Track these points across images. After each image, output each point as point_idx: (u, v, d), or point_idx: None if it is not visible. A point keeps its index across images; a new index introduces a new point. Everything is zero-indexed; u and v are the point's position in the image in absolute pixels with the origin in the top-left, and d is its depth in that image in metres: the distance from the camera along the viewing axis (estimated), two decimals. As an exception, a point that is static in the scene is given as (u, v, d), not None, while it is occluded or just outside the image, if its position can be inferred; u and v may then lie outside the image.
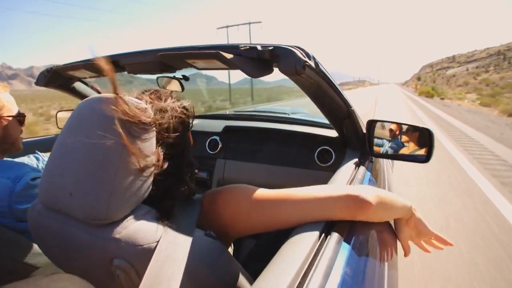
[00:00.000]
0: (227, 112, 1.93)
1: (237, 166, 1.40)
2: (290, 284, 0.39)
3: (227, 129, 1.48)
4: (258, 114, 1.73)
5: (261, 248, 1.01)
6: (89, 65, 0.96)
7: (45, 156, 1.19)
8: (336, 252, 0.49)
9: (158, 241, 0.43)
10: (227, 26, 34.57)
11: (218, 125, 1.52)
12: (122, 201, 0.44)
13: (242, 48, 0.69)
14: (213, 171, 1.44)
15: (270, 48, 0.67)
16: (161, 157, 0.50)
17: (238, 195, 0.57)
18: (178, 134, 0.55)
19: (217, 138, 1.47)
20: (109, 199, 0.42)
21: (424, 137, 1.00)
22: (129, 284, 0.42)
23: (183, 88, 1.24)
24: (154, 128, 0.49)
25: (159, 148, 0.50)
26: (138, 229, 0.44)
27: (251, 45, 0.69)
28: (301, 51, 0.68)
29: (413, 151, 1.06)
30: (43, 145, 1.40)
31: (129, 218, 0.45)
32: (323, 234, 0.52)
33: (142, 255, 0.41)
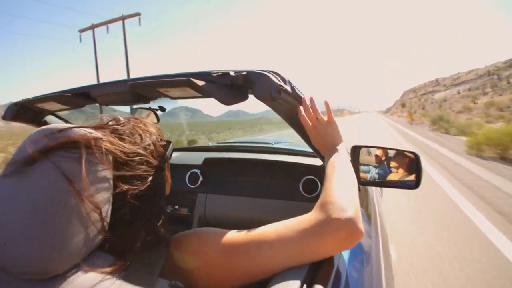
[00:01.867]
0: (209, 144, 1.88)
1: (219, 200, 1.33)
2: None
3: (207, 161, 1.42)
4: (240, 145, 1.69)
5: None
6: (58, 97, 0.91)
7: None
8: None
9: None
10: (92, 27, 22.57)
11: (198, 158, 1.46)
12: (68, 250, 0.36)
13: (214, 75, 0.66)
14: (194, 206, 1.35)
15: (244, 73, 0.64)
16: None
17: (205, 241, 0.49)
18: (146, 172, 0.47)
19: (197, 171, 1.40)
20: (50, 248, 0.35)
21: (412, 161, 0.96)
22: None
23: (158, 120, 1.19)
24: (109, 161, 0.43)
25: (120, 187, 0.44)
26: (87, 282, 0.36)
27: (223, 71, 0.66)
28: (276, 76, 0.65)
29: (402, 177, 1.02)
30: None
31: (77, 269, 0.37)
32: (305, 284, 0.45)
33: None
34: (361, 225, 0.49)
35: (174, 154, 1.70)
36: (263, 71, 0.64)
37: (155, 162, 0.49)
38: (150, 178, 0.47)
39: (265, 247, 0.47)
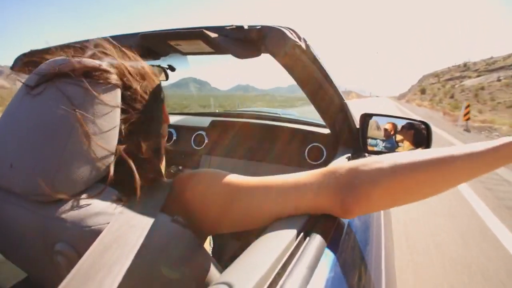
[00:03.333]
0: (217, 111, 1.88)
1: (223, 162, 1.34)
2: (264, 276, 0.32)
3: (213, 123, 1.42)
4: (247, 112, 1.68)
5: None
6: (68, 48, 0.90)
7: None
8: (320, 252, 0.42)
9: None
10: None
11: (204, 121, 1.47)
12: (73, 176, 0.37)
13: (227, 28, 0.65)
14: (198, 167, 1.37)
15: (258, 27, 0.62)
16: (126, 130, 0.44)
17: (206, 180, 0.49)
18: (148, 103, 0.49)
19: (203, 133, 1.40)
20: (56, 172, 0.36)
21: (420, 134, 0.95)
22: None
23: (167, 77, 1.19)
24: (119, 91, 0.44)
25: (124, 121, 0.44)
26: (89, 208, 0.37)
27: (237, 25, 0.64)
28: (291, 32, 0.63)
29: (409, 150, 1.02)
30: None
31: (80, 196, 0.38)
32: (303, 232, 0.44)
33: (89, 238, 0.34)
34: (359, 209, 0.43)
35: (181, 117, 1.71)
36: (278, 26, 0.63)
37: (156, 92, 0.51)
38: (150, 105, 0.49)
39: (262, 192, 0.47)
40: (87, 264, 0.31)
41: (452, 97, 44.43)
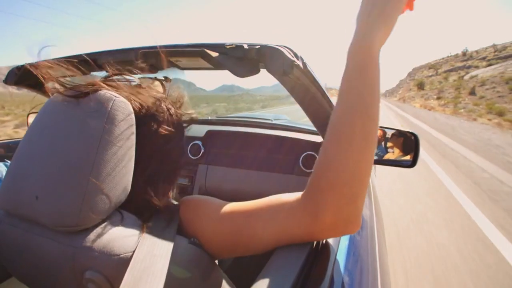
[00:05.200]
0: (209, 118, 1.89)
1: (219, 172, 1.36)
2: None
3: (209, 133, 1.44)
4: (241, 119, 1.71)
5: (243, 261, 0.96)
6: (64, 63, 0.91)
7: None
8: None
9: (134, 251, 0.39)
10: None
11: (200, 130, 1.48)
12: (97, 205, 0.39)
13: (227, 47, 0.67)
14: (195, 177, 1.39)
15: (257, 47, 0.65)
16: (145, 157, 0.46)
17: (199, 210, 0.51)
18: (167, 136, 0.51)
19: (199, 143, 1.42)
20: (81, 203, 0.38)
21: (409, 142, 1.00)
22: None
23: (164, 90, 1.20)
24: (133, 122, 0.45)
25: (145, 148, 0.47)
26: (114, 236, 0.39)
27: (237, 44, 0.67)
28: (289, 51, 0.66)
29: (398, 157, 1.06)
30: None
31: (104, 224, 0.40)
32: (308, 260, 0.47)
33: (118, 266, 0.36)
34: (339, 229, 0.44)
35: None
36: (276, 45, 0.66)
37: (173, 127, 0.53)
38: (168, 139, 0.51)
39: (252, 219, 0.47)
40: None
41: (472, 93, 32.16)
